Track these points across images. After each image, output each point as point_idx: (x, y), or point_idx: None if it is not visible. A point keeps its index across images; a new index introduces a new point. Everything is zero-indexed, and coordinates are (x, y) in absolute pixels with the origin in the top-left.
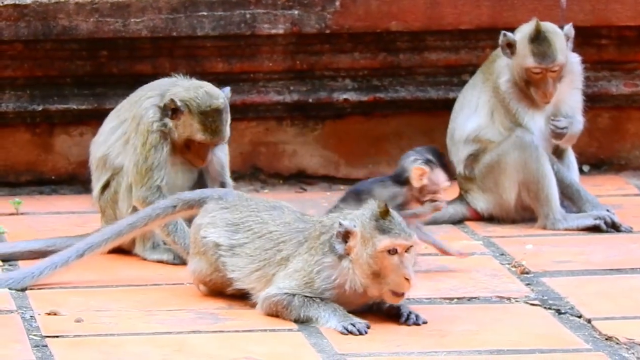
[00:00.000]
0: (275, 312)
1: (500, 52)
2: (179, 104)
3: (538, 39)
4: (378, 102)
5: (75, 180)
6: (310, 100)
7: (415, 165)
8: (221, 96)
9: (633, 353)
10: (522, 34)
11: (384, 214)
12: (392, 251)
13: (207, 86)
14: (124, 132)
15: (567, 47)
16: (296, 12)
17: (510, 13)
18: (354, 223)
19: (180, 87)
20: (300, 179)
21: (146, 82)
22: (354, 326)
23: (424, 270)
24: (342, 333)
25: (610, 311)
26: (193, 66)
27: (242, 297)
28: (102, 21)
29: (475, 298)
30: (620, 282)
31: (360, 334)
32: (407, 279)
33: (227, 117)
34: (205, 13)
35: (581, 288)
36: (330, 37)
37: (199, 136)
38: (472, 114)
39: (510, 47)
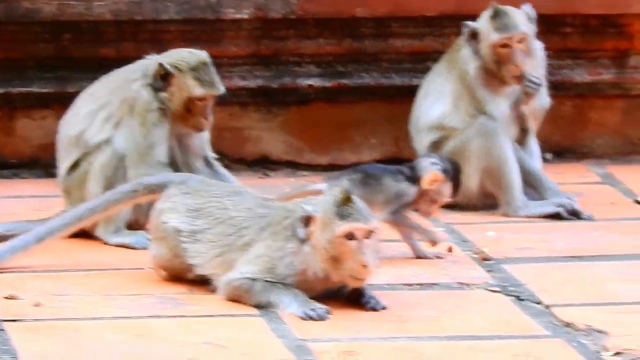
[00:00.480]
0: (236, 297)
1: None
2: (168, 67)
3: (498, 15)
4: (342, 88)
5: (36, 164)
6: (275, 85)
7: (433, 170)
8: (202, 52)
9: (591, 339)
10: (483, 17)
11: (346, 200)
12: (350, 236)
13: (183, 50)
14: (109, 115)
15: (530, 23)
16: None
17: (475, 0)
18: (316, 208)
19: (159, 58)
20: (264, 164)
21: (110, 66)
22: (315, 311)
23: (388, 257)
24: (303, 318)
25: (569, 298)
26: (157, 50)
27: (203, 282)
28: (65, 4)
29: (436, 284)
30: (581, 269)
31: (321, 319)
32: (364, 266)
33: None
34: None
35: (541, 275)
36: (295, 22)
37: (198, 91)
38: (436, 102)
39: (474, 36)
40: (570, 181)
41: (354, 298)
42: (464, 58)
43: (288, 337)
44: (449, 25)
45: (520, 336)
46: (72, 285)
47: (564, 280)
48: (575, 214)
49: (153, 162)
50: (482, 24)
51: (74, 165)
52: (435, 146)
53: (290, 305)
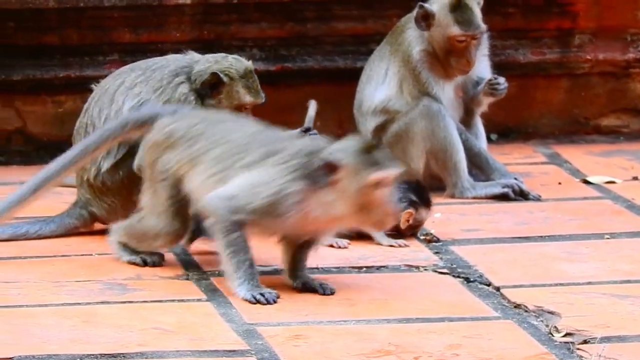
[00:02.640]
0: (213, 230)
1: (408, 22)
2: (222, 76)
3: (460, 7)
4: (286, 71)
5: None
6: None
7: (403, 210)
8: (245, 60)
9: (542, 320)
10: (439, 4)
11: (371, 148)
12: (380, 184)
13: (227, 55)
14: (140, 106)
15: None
16: None
17: None
18: (340, 156)
19: (203, 62)
20: None
21: (53, 53)
22: (263, 296)
23: (334, 239)
24: (251, 302)
25: (518, 279)
26: (100, 37)
27: (150, 268)
28: None
29: (384, 267)
30: (529, 249)
31: (269, 303)
32: (392, 212)
33: None
34: None
35: (490, 256)
36: (237, 6)
37: (248, 99)
38: (380, 85)
39: (426, 19)
40: (516, 162)
41: (303, 288)
42: (408, 40)
43: (237, 321)
44: (391, 8)
45: (470, 318)
46: (20, 272)
47: (512, 261)
48: (522, 195)
49: None
50: (441, 12)
51: (117, 163)
52: (381, 129)
53: (241, 287)
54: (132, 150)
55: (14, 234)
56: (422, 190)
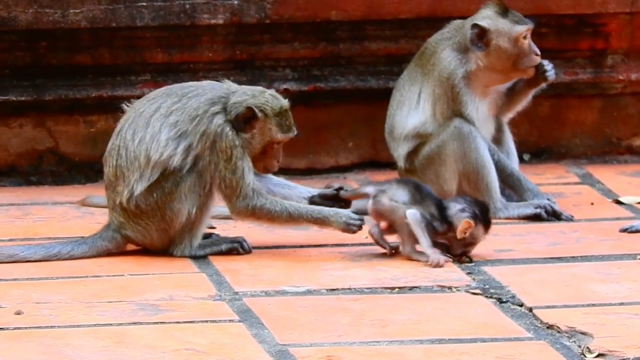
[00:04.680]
0: None
1: (440, 44)
2: (257, 112)
3: (508, 10)
4: (318, 91)
5: (14, 172)
6: None
7: (463, 218)
8: (282, 98)
9: (574, 341)
10: (486, 19)
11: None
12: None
13: (264, 90)
14: (189, 145)
15: None
16: (236, 2)
17: (449, 2)
18: (486, 22)
19: (240, 94)
20: None
21: (86, 73)
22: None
23: (367, 260)
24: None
25: (551, 300)
26: (133, 57)
27: (183, 286)
28: (41, 12)
29: (416, 287)
30: (561, 270)
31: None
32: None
33: None
34: (144, 3)
35: (522, 277)
36: (270, 27)
37: (280, 136)
38: (413, 110)
39: (482, 37)
40: (549, 182)
41: None
42: (446, 60)
43: (269, 342)
44: (423, 28)
45: (502, 339)
46: (52, 293)
47: (545, 281)
48: (555, 215)
49: (249, 191)
50: (494, 23)
51: (152, 185)
52: (413, 153)
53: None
54: (165, 172)
55: (46, 255)
56: (486, 210)
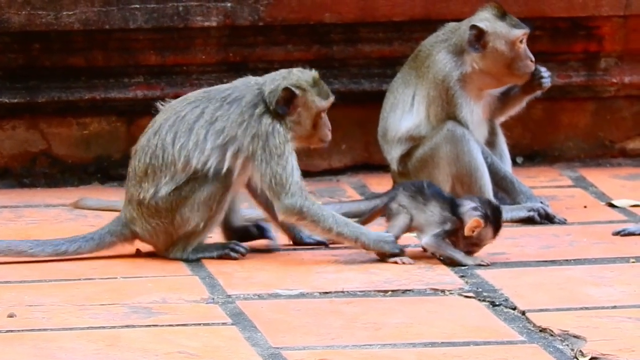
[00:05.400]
0: None
1: (435, 46)
2: (295, 90)
3: (506, 14)
4: None
5: (7, 174)
6: None
7: (474, 216)
8: (309, 69)
9: (567, 345)
10: (484, 22)
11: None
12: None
13: (290, 70)
14: (237, 150)
15: None
16: (229, 4)
17: (443, 4)
18: (484, 24)
19: (270, 82)
20: None
21: (79, 75)
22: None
23: (360, 263)
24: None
25: (544, 303)
26: (126, 59)
27: (176, 289)
28: (34, 14)
29: (409, 290)
30: (554, 273)
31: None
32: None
33: None
34: (137, 5)
35: (515, 280)
36: (263, 29)
37: (324, 103)
38: (407, 113)
39: (480, 38)
40: (542, 185)
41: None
42: (441, 62)
43: (262, 345)
44: (417, 30)
45: (495, 342)
46: (45, 295)
47: (538, 285)
48: (548, 218)
49: (297, 189)
50: (492, 25)
51: (177, 188)
52: (406, 156)
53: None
54: (191, 177)
55: (54, 252)
56: (498, 213)
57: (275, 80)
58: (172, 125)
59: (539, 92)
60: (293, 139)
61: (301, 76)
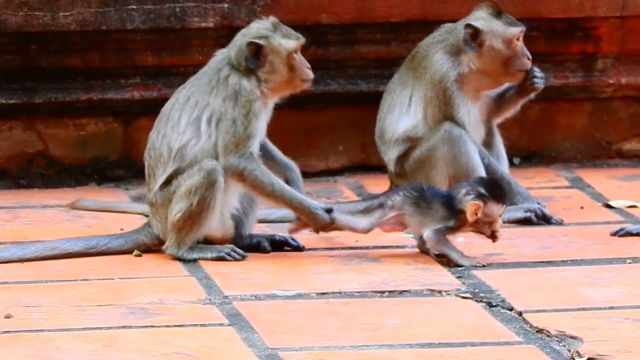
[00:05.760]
0: None
1: (432, 47)
2: (258, 41)
3: (502, 12)
4: (309, 95)
5: (4, 175)
6: None
7: (470, 201)
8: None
9: (564, 345)
10: (479, 21)
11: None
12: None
13: (248, 26)
14: (210, 115)
15: None
16: (226, 5)
17: (440, 5)
18: (479, 23)
19: (234, 44)
20: None
21: (76, 76)
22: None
23: (357, 264)
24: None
25: (541, 304)
26: (123, 60)
27: (173, 290)
28: (31, 15)
29: (406, 291)
30: (551, 274)
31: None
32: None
33: None
34: (134, 6)
35: (512, 280)
36: None
37: (292, 43)
38: (404, 114)
39: (475, 37)
40: (539, 186)
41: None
42: (438, 63)
43: (259, 346)
44: (414, 31)
45: (492, 343)
46: (42, 296)
47: (535, 285)
48: (545, 219)
49: (246, 152)
50: (488, 24)
51: (168, 181)
52: (403, 156)
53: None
54: (179, 168)
55: (84, 247)
56: (493, 185)
57: (237, 41)
58: (157, 124)
59: (532, 95)
60: (269, 92)
61: (260, 26)
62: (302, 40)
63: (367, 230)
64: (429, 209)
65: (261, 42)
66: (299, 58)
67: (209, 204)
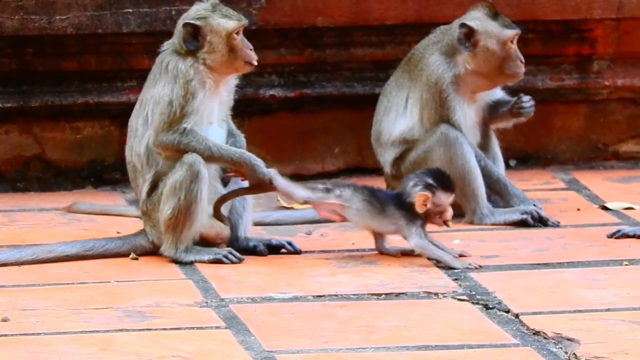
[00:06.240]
0: None
1: (428, 49)
2: (195, 22)
3: (498, 14)
4: (305, 98)
5: (1, 178)
6: (237, 96)
7: (417, 192)
8: None
9: (561, 347)
10: (475, 21)
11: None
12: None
13: (188, 8)
14: (152, 109)
15: None
16: None
17: (436, 8)
18: (474, 23)
19: (175, 29)
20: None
21: (72, 79)
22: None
23: (353, 267)
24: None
25: (537, 306)
26: (119, 63)
27: (169, 293)
28: (27, 18)
29: (403, 294)
30: (548, 276)
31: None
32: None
33: None
34: (130, 10)
35: (509, 283)
36: (256, 33)
37: (232, 24)
38: (400, 116)
39: (470, 37)
40: (535, 188)
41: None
42: (434, 64)
43: (255, 349)
44: (410, 34)
45: (489, 345)
46: (39, 299)
47: (531, 287)
48: (541, 221)
49: (180, 129)
50: (484, 25)
51: (153, 187)
52: (399, 159)
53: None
54: (157, 174)
55: (81, 250)
56: (441, 175)
57: (178, 25)
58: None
59: (522, 119)
60: (210, 72)
61: (198, 8)
62: (244, 21)
63: (302, 201)
64: (383, 210)
65: (198, 22)
66: (241, 39)
67: (196, 196)
